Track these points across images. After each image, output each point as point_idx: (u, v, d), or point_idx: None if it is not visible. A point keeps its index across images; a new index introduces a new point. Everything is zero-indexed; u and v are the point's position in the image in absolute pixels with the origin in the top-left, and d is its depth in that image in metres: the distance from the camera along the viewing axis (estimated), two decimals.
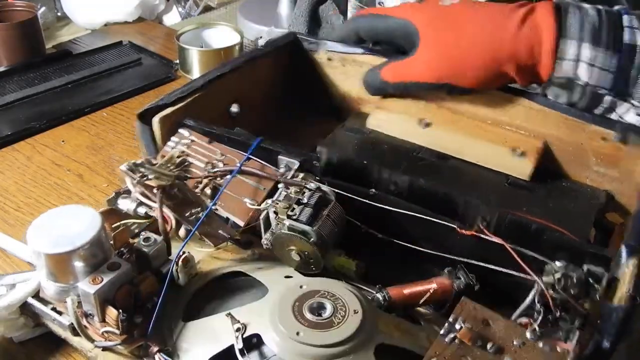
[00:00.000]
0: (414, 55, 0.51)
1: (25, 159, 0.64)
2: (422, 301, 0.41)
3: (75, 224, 0.38)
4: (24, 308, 0.42)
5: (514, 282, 0.38)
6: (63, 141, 0.67)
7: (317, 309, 0.37)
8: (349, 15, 0.82)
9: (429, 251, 0.43)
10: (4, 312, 0.41)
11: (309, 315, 0.37)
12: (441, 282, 0.41)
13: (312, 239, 0.41)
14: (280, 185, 0.45)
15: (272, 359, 0.36)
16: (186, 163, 0.47)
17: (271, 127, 0.56)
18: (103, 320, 0.38)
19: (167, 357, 0.37)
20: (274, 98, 0.62)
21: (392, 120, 0.54)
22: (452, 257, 0.42)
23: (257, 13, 0.94)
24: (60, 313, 0.41)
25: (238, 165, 0.46)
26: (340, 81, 0.61)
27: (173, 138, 0.50)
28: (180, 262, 0.40)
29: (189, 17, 1.01)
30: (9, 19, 0.81)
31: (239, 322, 0.37)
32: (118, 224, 0.42)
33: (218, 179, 0.46)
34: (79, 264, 0.38)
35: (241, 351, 0.36)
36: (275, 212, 0.43)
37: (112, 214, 0.44)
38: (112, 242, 0.40)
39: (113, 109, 0.73)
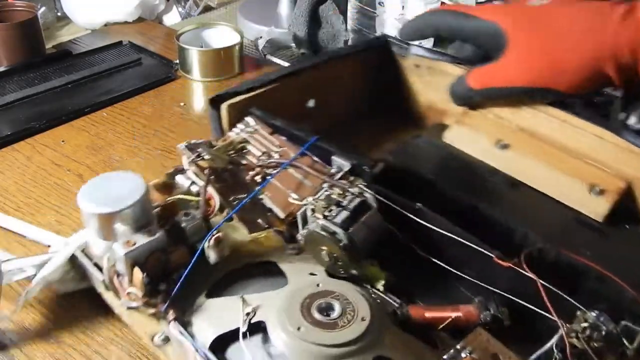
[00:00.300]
0: (503, 58, 0.48)
1: (25, 159, 0.64)
2: (441, 326, 0.40)
3: (122, 188, 0.42)
4: (73, 262, 0.45)
5: (547, 324, 0.36)
6: (63, 141, 0.67)
7: (326, 309, 0.38)
8: (349, 15, 0.82)
9: (463, 275, 0.42)
10: (60, 269, 0.44)
11: (316, 314, 0.37)
12: (468, 310, 0.40)
13: (342, 242, 0.41)
14: (324, 185, 0.45)
15: (272, 349, 0.37)
16: (245, 150, 0.50)
17: (345, 128, 0.57)
18: (130, 281, 0.40)
19: (180, 326, 0.39)
20: (354, 99, 0.62)
21: (469, 137, 0.52)
22: (486, 285, 0.40)
23: (257, 13, 0.94)
24: (100, 269, 0.43)
25: (290, 159, 0.47)
26: (424, 89, 0.60)
27: (239, 125, 0.52)
28: (212, 241, 0.42)
29: (189, 17, 1.01)
30: (9, 19, 0.81)
31: (250, 306, 0.38)
32: (170, 198, 0.45)
33: (270, 169, 0.47)
34: (119, 226, 0.41)
35: (244, 334, 0.37)
36: (313, 210, 0.43)
37: (167, 187, 0.47)
38: (159, 212, 0.43)
39: (113, 109, 0.73)
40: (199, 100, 0.78)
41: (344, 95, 0.61)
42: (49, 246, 0.51)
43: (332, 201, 0.43)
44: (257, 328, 0.38)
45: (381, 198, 0.43)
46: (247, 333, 0.37)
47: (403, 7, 0.76)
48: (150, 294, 0.40)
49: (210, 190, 0.45)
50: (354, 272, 0.42)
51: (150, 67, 0.83)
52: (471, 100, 0.51)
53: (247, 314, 0.38)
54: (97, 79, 0.79)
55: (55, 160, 0.64)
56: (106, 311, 0.46)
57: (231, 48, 0.80)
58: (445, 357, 0.34)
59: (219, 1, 1.06)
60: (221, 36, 0.84)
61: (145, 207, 0.42)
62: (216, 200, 0.44)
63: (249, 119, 0.52)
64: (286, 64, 0.84)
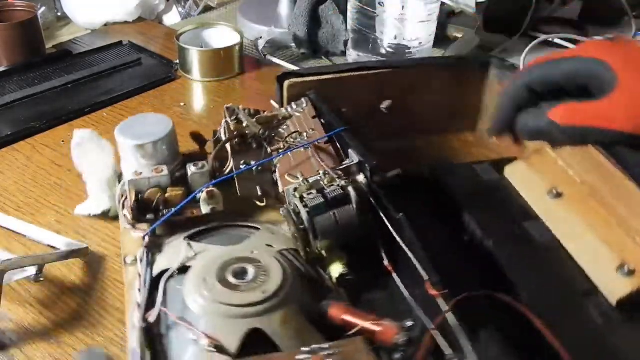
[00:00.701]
0: (606, 98, 0.43)
1: (25, 159, 0.64)
2: (351, 332, 0.39)
3: (152, 127, 0.51)
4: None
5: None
6: (63, 141, 0.67)
7: (240, 273, 0.41)
8: (349, 15, 0.82)
9: (407, 295, 0.41)
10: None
11: (229, 275, 0.41)
12: (388, 327, 0.38)
13: (301, 226, 0.43)
14: (321, 172, 0.46)
15: (185, 292, 0.41)
16: (284, 125, 0.54)
17: (412, 135, 0.58)
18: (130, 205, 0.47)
19: (145, 254, 0.45)
20: (432, 109, 0.61)
21: (526, 176, 0.51)
22: (419, 309, 0.39)
23: (257, 13, 0.94)
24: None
25: (309, 141, 0.50)
26: None
27: (293, 103, 0.57)
28: (204, 193, 0.47)
29: (189, 17, 1.01)
30: (9, 19, 0.81)
31: (193, 252, 0.44)
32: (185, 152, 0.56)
33: (293, 147, 0.51)
34: (141, 159, 0.50)
35: (172, 274, 0.42)
36: (295, 189, 0.45)
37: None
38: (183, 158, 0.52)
39: (113, 109, 0.73)
40: (199, 100, 0.78)
41: (421, 103, 0.60)
42: (49, 246, 0.51)
43: (317, 187, 0.44)
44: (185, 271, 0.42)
45: (359, 197, 0.43)
46: (175, 273, 0.42)
47: (403, 7, 0.76)
48: (138, 220, 0.47)
49: (228, 147, 0.51)
50: (314, 255, 0.44)
51: (151, 67, 0.83)
52: (549, 136, 0.45)
53: (187, 257, 0.43)
54: (97, 79, 0.79)
55: (56, 160, 0.64)
56: (106, 311, 0.46)
57: (231, 48, 0.80)
58: (302, 349, 0.35)
59: (219, 1, 1.06)
60: (221, 36, 0.84)
61: (169, 145, 0.50)
62: (230, 159, 0.50)
63: (303, 100, 0.56)
64: (286, 64, 0.84)
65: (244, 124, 0.53)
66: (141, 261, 0.44)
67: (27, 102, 0.73)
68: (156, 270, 0.44)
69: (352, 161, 0.47)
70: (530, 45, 0.86)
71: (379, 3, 0.77)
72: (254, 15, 0.93)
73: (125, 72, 0.81)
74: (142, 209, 0.47)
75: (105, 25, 0.94)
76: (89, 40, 0.90)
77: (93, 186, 0.54)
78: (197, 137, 0.61)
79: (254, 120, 0.53)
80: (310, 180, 0.45)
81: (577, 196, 0.48)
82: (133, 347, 0.37)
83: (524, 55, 0.84)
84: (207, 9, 1.04)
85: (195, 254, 0.44)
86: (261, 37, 0.86)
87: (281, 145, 0.51)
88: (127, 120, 0.52)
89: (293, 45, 0.87)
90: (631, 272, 0.42)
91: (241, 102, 0.76)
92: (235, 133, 0.52)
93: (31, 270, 0.46)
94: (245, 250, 0.43)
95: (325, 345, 0.35)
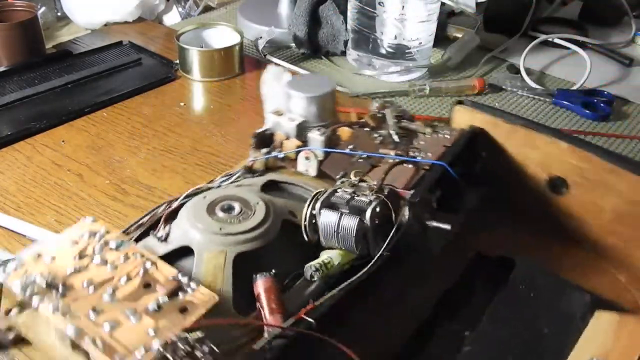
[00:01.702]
0: None
1: (25, 159, 0.64)
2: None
3: (316, 85, 0.57)
4: None
5: None
6: (63, 141, 0.67)
7: (228, 209, 0.45)
8: (349, 15, 0.82)
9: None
10: None
11: (219, 211, 0.45)
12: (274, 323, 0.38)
13: (313, 211, 0.44)
14: (370, 182, 0.46)
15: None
16: (418, 140, 0.55)
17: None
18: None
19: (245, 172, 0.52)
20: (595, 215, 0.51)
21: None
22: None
23: (257, 13, 0.94)
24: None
25: (400, 156, 0.51)
26: None
27: (442, 127, 0.56)
28: (304, 152, 0.51)
29: (189, 17, 1.01)
30: (9, 19, 0.81)
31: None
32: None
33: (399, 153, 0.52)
34: (294, 107, 0.56)
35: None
36: (340, 184, 0.47)
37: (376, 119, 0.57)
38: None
39: (113, 109, 0.73)
40: (198, 100, 0.78)
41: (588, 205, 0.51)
42: None
43: (356, 187, 0.45)
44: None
45: (371, 219, 0.42)
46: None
47: (403, 7, 0.76)
48: (256, 147, 0.53)
49: (346, 130, 0.55)
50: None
51: (150, 67, 0.83)
52: None
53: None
54: (97, 79, 0.79)
55: (56, 160, 0.64)
56: None
57: (231, 48, 0.80)
58: None
59: (219, 1, 1.06)
60: (221, 36, 0.84)
61: (316, 105, 0.54)
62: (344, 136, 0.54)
63: (458, 130, 0.55)
64: (286, 64, 0.84)
65: (388, 122, 0.55)
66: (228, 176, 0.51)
67: (27, 102, 0.73)
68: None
69: (410, 194, 0.46)
70: (530, 45, 0.86)
71: (379, 3, 0.77)
72: (254, 15, 0.93)
73: (125, 72, 0.81)
74: (261, 142, 0.53)
75: (105, 25, 0.94)
76: (89, 40, 0.89)
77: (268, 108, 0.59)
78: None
79: (396, 123, 0.55)
80: (356, 181, 0.46)
81: None
82: None
83: (524, 55, 0.85)
84: (207, 9, 1.04)
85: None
86: (261, 37, 0.86)
87: (391, 152, 0.52)
88: (296, 77, 0.59)
89: (293, 45, 0.87)
90: None
91: (241, 102, 0.76)
92: (362, 120, 0.56)
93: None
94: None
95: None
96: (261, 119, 0.72)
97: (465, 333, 0.43)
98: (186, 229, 0.44)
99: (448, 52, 0.86)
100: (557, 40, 0.90)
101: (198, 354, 0.33)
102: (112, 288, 0.38)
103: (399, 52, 0.80)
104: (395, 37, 0.79)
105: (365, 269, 0.42)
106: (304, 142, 0.53)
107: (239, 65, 0.82)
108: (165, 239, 0.44)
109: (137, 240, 0.45)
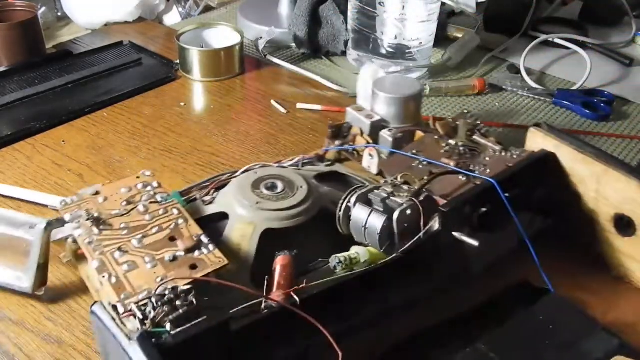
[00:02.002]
0: None
1: (26, 159, 0.64)
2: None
3: (402, 86, 0.57)
4: None
5: None
6: (63, 141, 0.67)
7: (271, 187, 0.48)
8: (349, 15, 0.82)
9: None
10: None
11: (263, 189, 0.48)
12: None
13: (343, 203, 0.45)
14: (413, 186, 0.46)
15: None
16: (484, 156, 0.53)
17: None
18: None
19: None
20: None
21: None
22: None
23: (257, 13, 0.94)
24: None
25: (456, 168, 0.50)
26: None
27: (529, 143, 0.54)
28: (368, 149, 0.54)
29: (189, 17, 1.01)
30: (9, 19, 0.81)
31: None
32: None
33: (455, 163, 0.52)
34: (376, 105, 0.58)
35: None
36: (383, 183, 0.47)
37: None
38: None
39: (113, 109, 0.73)
40: (199, 100, 0.78)
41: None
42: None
43: (396, 189, 0.45)
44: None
45: (399, 220, 0.43)
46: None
47: (403, 7, 0.76)
48: (331, 138, 0.58)
49: (418, 134, 0.56)
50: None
51: (151, 67, 0.82)
52: None
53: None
54: (97, 79, 0.79)
55: (56, 160, 0.64)
56: None
57: (232, 48, 0.80)
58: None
59: (219, 1, 1.06)
60: (221, 36, 0.84)
61: (395, 107, 0.55)
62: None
63: (529, 152, 0.53)
64: (286, 64, 0.84)
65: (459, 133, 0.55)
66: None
67: (27, 102, 0.73)
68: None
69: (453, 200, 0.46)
70: (531, 45, 0.86)
71: (379, 3, 0.77)
72: (254, 15, 0.93)
73: (126, 72, 0.81)
74: (336, 134, 0.55)
75: (106, 25, 0.94)
76: (89, 41, 0.89)
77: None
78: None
79: (467, 136, 0.54)
80: (401, 182, 0.46)
81: None
82: None
83: (524, 55, 0.85)
84: (208, 9, 1.04)
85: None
86: (261, 37, 0.86)
87: (452, 162, 0.51)
88: (382, 77, 0.60)
89: (293, 45, 0.87)
90: None
91: (241, 102, 0.76)
92: (434, 128, 0.56)
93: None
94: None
95: None
96: (262, 118, 0.73)
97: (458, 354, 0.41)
98: (229, 198, 0.48)
99: (448, 52, 0.86)
100: (557, 40, 0.90)
101: (178, 302, 0.35)
102: (142, 235, 0.43)
103: (399, 52, 0.80)
104: (396, 37, 0.79)
105: (372, 265, 0.42)
106: (375, 140, 0.54)
107: (240, 65, 0.82)
108: (209, 203, 0.49)
109: (190, 201, 0.50)
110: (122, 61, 0.82)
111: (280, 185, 0.49)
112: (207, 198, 0.50)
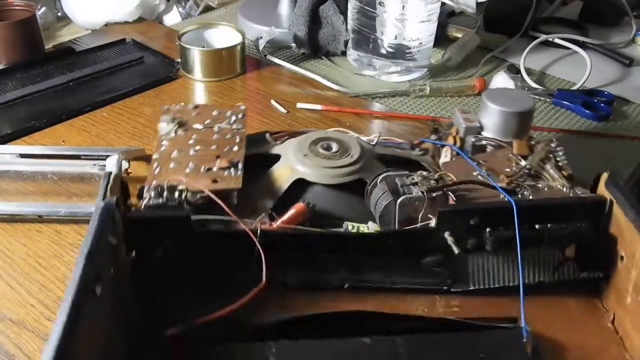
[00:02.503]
0: None
1: None
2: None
3: (511, 101, 0.55)
4: None
5: None
6: (63, 141, 0.67)
7: (327, 148, 0.53)
8: (349, 15, 0.82)
9: None
10: None
11: (319, 149, 0.53)
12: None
13: (373, 178, 0.49)
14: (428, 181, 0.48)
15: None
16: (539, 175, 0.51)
17: None
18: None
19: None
20: None
21: None
22: None
23: (257, 13, 0.94)
24: None
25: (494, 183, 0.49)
26: None
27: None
28: (446, 148, 0.55)
29: (189, 17, 1.01)
30: (8, 18, 0.81)
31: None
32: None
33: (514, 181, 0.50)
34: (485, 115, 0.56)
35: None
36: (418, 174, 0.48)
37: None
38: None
39: (113, 109, 0.73)
40: (200, 100, 0.78)
41: None
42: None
43: (423, 180, 0.47)
44: None
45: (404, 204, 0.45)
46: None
47: (403, 7, 0.76)
48: (431, 133, 0.59)
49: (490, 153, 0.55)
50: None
51: (152, 66, 0.82)
52: None
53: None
54: (98, 78, 0.79)
55: None
56: None
57: (233, 48, 0.80)
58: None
59: (219, 1, 1.06)
60: (223, 36, 0.84)
61: (503, 120, 0.54)
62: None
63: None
64: (287, 64, 0.84)
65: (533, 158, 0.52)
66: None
67: (27, 100, 0.73)
68: None
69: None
70: (531, 45, 0.86)
71: (379, 3, 0.77)
72: (254, 15, 0.93)
73: (127, 70, 0.81)
74: (436, 129, 0.57)
75: (106, 25, 0.94)
76: (89, 41, 0.89)
77: None
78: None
79: (539, 161, 0.52)
80: (420, 179, 0.48)
81: None
82: None
83: (524, 55, 0.85)
84: (207, 9, 1.04)
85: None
86: (261, 37, 0.86)
87: (504, 181, 0.49)
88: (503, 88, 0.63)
89: (293, 45, 0.87)
90: None
91: (242, 102, 0.76)
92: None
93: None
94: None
95: None
96: (262, 118, 0.73)
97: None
98: (289, 145, 0.54)
99: (448, 52, 0.86)
100: (557, 40, 0.90)
101: (168, 195, 0.45)
102: (200, 147, 0.52)
103: (399, 52, 0.80)
104: (396, 37, 0.79)
105: (346, 228, 0.48)
106: (463, 142, 0.55)
107: (241, 65, 0.82)
108: (275, 145, 0.56)
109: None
110: (124, 59, 0.82)
111: (334, 148, 0.53)
112: (278, 142, 0.56)
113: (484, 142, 0.55)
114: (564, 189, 0.48)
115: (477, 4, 0.93)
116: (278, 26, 0.88)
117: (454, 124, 0.57)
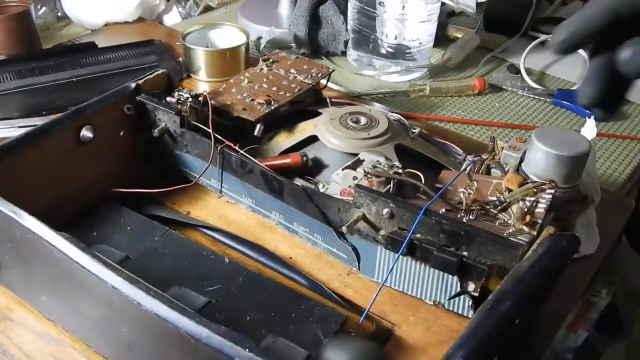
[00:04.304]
0: None
1: None
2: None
3: (563, 142, 0.49)
4: None
5: None
6: None
7: (356, 121, 0.58)
8: (349, 15, 0.82)
9: None
10: None
11: (349, 122, 0.58)
12: (295, 156, 0.54)
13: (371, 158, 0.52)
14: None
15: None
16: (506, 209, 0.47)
17: None
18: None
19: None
20: None
21: None
22: None
23: (257, 13, 0.94)
24: None
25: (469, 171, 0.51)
26: None
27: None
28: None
29: (189, 17, 1.01)
30: (3, 14, 0.82)
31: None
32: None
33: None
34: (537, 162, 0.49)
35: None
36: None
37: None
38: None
39: None
40: None
41: None
42: None
43: (407, 173, 0.48)
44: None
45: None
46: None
47: (403, 7, 0.76)
48: (483, 168, 0.54)
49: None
50: None
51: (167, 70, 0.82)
52: None
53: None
54: (105, 77, 0.78)
55: None
56: None
57: (238, 48, 0.79)
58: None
59: (219, 1, 1.06)
60: (227, 36, 0.83)
61: (561, 165, 0.48)
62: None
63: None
64: None
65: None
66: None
67: (24, 90, 0.74)
68: None
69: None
70: (531, 45, 0.86)
71: (379, 3, 0.77)
72: (254, 15, 0.93)
73: (137, 72, 0.79)
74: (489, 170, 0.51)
75: (106, 25, 0.94)
76: (89, 40, 0.89)
77: None
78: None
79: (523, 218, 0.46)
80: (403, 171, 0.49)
81: None
82: None
83: (524, 55, 0.85)
84: (208, 9, 1.04)
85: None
86: (261, 37, 0.86)
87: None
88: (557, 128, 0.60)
89: (293, 45, 0.87)
90: None
91: None
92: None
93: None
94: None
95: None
96: None
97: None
98: (332, 109, 0.61)
99: (448, 52, 0.86)
100: None
101: (192, 101, 0.57)
102: (266, 85, 0.63)
103: (399, 52, 0.80)
104: (396, 37, 0.79)
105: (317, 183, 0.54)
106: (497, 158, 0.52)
107: (245, 65, 0.81)
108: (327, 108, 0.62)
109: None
110: (138, 61, 0.82)
111: (362, 122, 0.57)
112: (333, 106, 0.63)
113: (492, 165, 0.51)
114: (507, 229, 0.43)
115: (477, 4, 0.93)
116: (278, 26, 0.88)
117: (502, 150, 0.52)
